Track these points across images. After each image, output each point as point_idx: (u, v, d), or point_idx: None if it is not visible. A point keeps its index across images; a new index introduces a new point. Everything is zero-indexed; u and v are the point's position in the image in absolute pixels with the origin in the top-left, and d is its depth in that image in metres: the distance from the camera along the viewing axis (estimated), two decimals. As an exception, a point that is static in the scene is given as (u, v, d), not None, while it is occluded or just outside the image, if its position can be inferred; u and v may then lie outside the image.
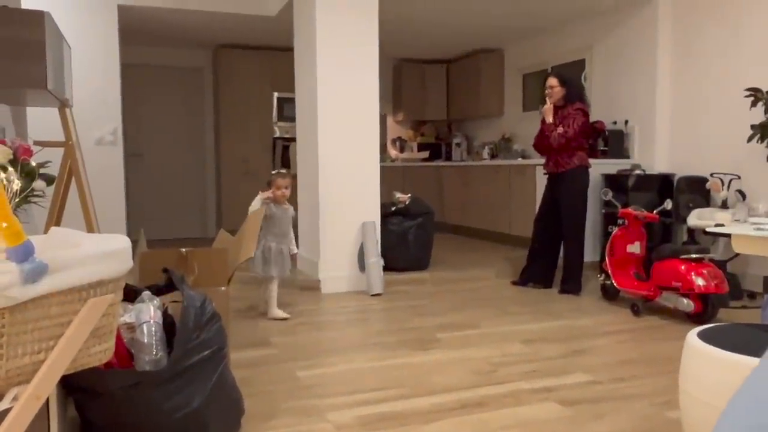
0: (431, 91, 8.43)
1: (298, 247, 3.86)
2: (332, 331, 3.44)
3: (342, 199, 4.51)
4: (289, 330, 3.43)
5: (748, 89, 4.23)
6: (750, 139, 4.21)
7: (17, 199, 1.75)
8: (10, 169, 1.73)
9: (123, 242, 1.41)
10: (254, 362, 2.84)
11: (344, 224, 4.53)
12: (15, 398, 1.26)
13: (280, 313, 3.66)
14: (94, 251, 1.32)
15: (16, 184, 1.71)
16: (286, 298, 4.14)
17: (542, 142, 4.38)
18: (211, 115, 7.79)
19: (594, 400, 2.38)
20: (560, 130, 4.22)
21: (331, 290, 4.43)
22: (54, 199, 3.19)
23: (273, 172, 3.77)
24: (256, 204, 3.56)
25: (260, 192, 3.64)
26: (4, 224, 1.13)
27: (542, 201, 4.52)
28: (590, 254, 5.23)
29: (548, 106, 4.34)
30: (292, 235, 3.76)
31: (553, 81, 4.34)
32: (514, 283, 4.61)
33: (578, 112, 4.24)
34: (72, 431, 1.87)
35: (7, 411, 1.25)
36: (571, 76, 4.55)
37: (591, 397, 2.42)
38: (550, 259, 4.50)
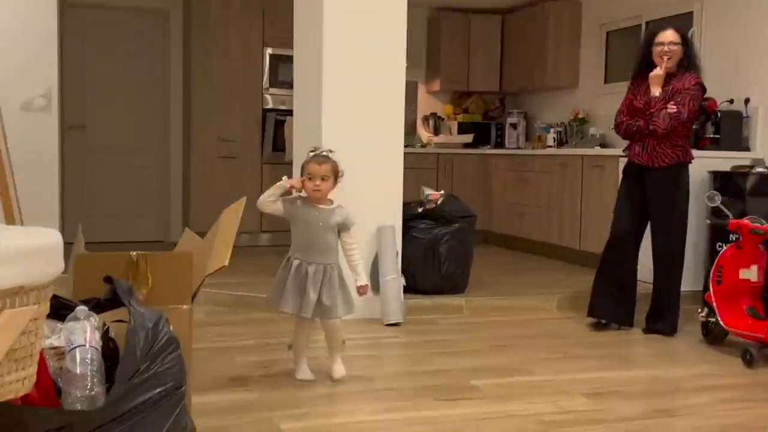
0: (479, 52, 8.45)
1: (365, 279, 3.36)
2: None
3: (352, 195, 4.48)
4: (273, 366, 3.48)
5: None
6: None
7: None
8: None
9: (52, 237, 1.46)
10: (225, 409, 2.88)
11: (354, 228, 4.56)
12: None
13: (303, 374, 3.29)
14: (13, 247, 1.37)
15: None
16: (271, 326, 4.19)
17: (635, 123, 4.20)
18: (179, 76, 7.86)
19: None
20: (672, 108, 4.02)
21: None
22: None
23: (310, 151, 3.28)
24: (268, 195, 3.21)
25: (283, 178, 3.28)
26: None
27: (621, 206, 4.41)
28: (689, 281, 5.20)
29: (660, 73, 4.11)
30: (336, 253, 3.26)
31: (673, 35, 4.15)
32: (595, 324, 4.47)
33: (698, 87, 4.11)
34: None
35: None
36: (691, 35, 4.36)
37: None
38: (629, 286, 4.40)
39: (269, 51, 7.63)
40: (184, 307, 2.52)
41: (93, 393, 1.84)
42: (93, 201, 7.57)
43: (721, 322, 3.94)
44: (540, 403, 3.06)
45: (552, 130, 7.76)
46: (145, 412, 1.89)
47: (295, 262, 3.16)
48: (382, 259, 4.49)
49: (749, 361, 3.67)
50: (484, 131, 8.53)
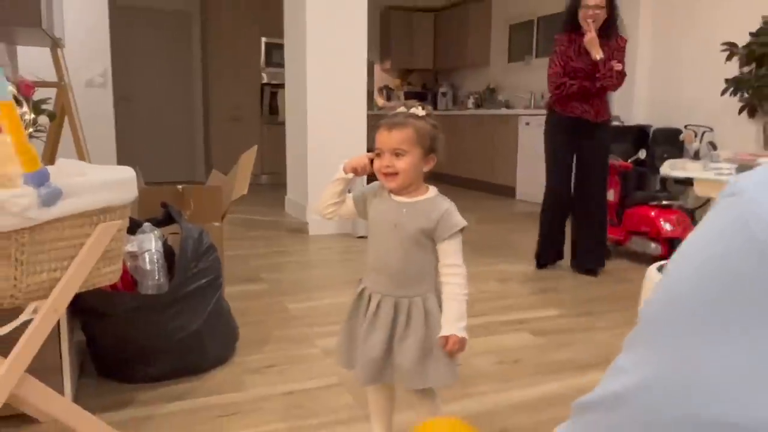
0: (418, 39, 8.39)
1: (454, 328, 1.35)
2: (320, 269, 3.57)
3: (330, 144, 4.57)
4: (278, 267, 3.55)
5: (725, 43, 4.31)
6: (724, 93, 4.32)
7: (28, 132, 1.81)
8: (25, 103, 1.78)
9: (128, 172, 1.50)
10: (246, 295, 2.96)
11: (331, 169, 4.55)
12: (34, 311, 1.37)
13: None
14: (103, 179, 1.41)
15: (29, 115, 1.77)
16: (273, 241, 4.25)
17: (580, 83, 3.34)
18: (199, 59, 7.71)
19: (561, 332, 2.55)
20: (619, 66, 3.29)
21: (318, 232, 4.54)
22: (48, 137, 3.23)
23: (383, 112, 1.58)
24: (328, 197, 1.50)
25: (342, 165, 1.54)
26: (24, 150, 1.21)
27: (558, 161, 3.51)
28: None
29: (594, 36, 3.25)
30: (430, 278, 1.41)
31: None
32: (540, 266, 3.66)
33: (625, 46, 3.38)
34: (78, 350, 1.99)
35: (27, 323, 1.37)
36: None
37: (559, 329, 2.59)
38: (561, 228, 3.66)
39: (264, 39, 7.49)
40: (216, 224, 2.56)
41: (160, 282, 1.90)
42: (139, 153, 7.44)
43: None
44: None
45: (472, 96, 7.79)
46: (196, 295, 1.96)
47: (368, 295, 1.42)
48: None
49: (607, 255, 3.81)
50: (423, 98, 8.51)
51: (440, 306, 1.37)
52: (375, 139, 1.39)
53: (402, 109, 1.40)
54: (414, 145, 1.37)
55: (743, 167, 1.95)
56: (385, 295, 1.39)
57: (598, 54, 3.25)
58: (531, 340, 2.45)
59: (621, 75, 3.30)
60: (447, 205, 1.41)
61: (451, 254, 1.37)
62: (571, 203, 3.55)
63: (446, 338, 1.34)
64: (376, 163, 1.39)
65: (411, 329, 1.36)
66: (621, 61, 3.31)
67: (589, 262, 3.52)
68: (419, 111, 1.39)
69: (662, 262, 1.97)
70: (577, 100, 3.38)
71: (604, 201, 3.53)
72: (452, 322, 1.34)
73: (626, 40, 3.40)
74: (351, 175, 1.45)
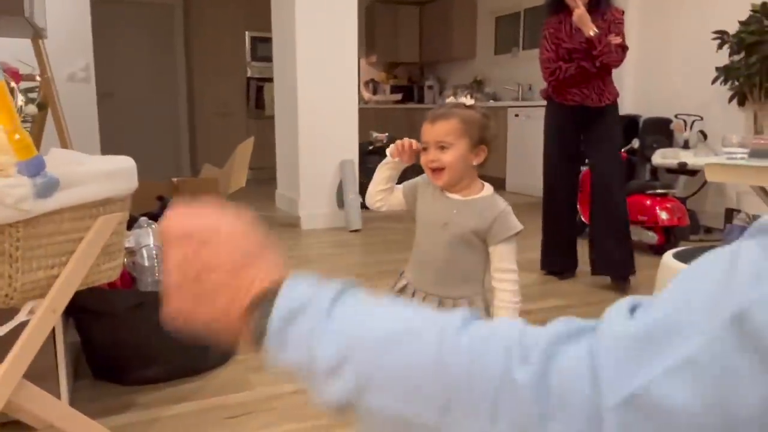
0: (404, 33, 8.29)
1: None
2: (315, 264, 3.48)
3: (321, 137, 4.47)
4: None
5: (715, 32, 4.29)
6: (714, 81, 4.30)
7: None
8: (16, 88, 1.66)
9: (128, 162, 1.39)
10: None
11: (323, 163, 4.51)
12: (31, 311, 1.26)
13: None
14: (102, 169, 1.30)
15: (21, 101, 1.65)
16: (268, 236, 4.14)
17: (577, 65, 2.91)
18: (183, 54, 7.53)
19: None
20: (617, 39, 2.84)
21: (310, 226, 4.44)
22: (33, 129, 3.09)
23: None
24: (376, 183, 1.42)
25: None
26: (17, 136, 1.10)
27: (555, 154, 3.11)
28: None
29: (583, 11, 2.79)
30: (477, 281, 1.35)
31: None
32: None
33: (623, 18, 2.96)
34: (74, 352, 1.88)
35: (23, 324, 1.26)
36: None
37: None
38: (570, 233, 3.22)
39: (249, 34, 7.35)
40: (213, 218, 2.47)
41: (159, 279, 1.80)
42: (123, 149, 7.24)
43: (583, 219, 4.03)
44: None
45: (458, 89, 7.72)
46: (197, 291, 1.86)
47: (411, 291, 1.36)
48: (345, 184, 4.45)
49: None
50: (409, 92, 8.44)
51: (486, 312, 1.29)
52: (421, 133, 1.32)
53: (451, 99, 1.32)
54: (460, 136, 1.28)
55: (758, 151, 1.90)
56: (429, 294, 1.30)
57: (591, 30, 2.78)
58: (538, 331, 2.38)
59: (622, 48, 2.86)
60: (503, 205, 1.31)
61: (504, 258, 1.28)
62: (574, 203, 3.19)
63: None
64: (423, 158, 1.32)
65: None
66: (620, 34, 2.86)
67: (616, 269, 2.97)
68: (467, 100, 1.31)
69: (677, 249, 1.91)
70: (575, 86, 2.96)
71: (622, 194, 3.01)
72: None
73: (623, 12, 2.99)
74: (397, 159, 1.37)
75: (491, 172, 6.38)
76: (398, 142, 1.35)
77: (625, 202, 3.00)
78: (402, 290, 1.35)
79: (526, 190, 5.93)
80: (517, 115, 6.03)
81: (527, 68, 6.74)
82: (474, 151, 1.30)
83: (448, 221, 1.30)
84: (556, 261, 3.18)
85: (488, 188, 1.35)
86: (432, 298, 1.29)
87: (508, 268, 1.28)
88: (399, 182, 1.42)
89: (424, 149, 1.31)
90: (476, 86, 7.47)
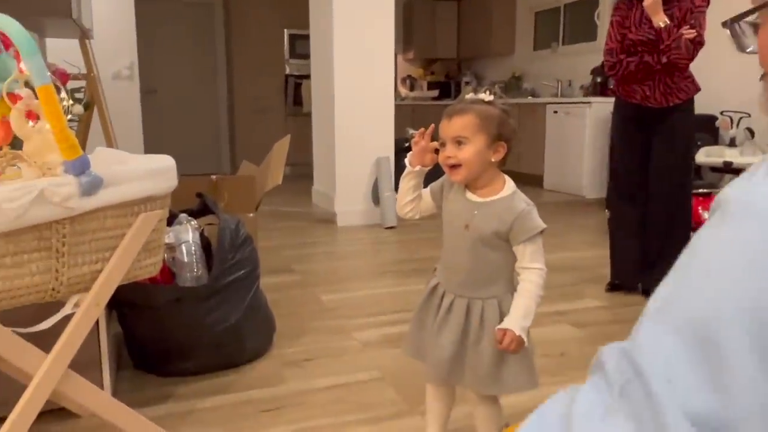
0: (442, 28, 8.24)
1: (517, 326, 1.23)
2: (350, 260, 3.50)
3: (357, 134, 4.49)
4: (308, 258, 3.49)
5: (764, 26, 4.14)
6: (762, 77, 4.15)
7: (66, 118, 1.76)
8: (63, 90, 1.73)
9: (168, 161, 1.43)
10: (280, 287, 2.90)
11: (359, 159, 4.53)
12: (76, 305, 1.31)
13: None
14: (144, 167, 1.34)
15: (67, 101, 1.72)
16: (302, 232, 4.18)
17: (639, 59, 2.59)
18: (223, 52, 7.66)
19: (601, 324, 2.46)
20: (690, 33, 2.44)
21: (346, 223, 4.47)
22: (79, 128, 3.20)
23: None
24: (404, 192, 1.39)
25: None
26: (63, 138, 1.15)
27: (626, 155, 2.75)
28: (598, 190, 5.25)
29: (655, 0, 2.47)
30: (504, 280, 1.31)
31: None
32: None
33: (707, 2, 2.55)
34: (116, 343, 1.94)
35: (68, 317, 1.31)
36: None
37: (600, 320, 2.49)
38: (637, 243, 2.83)
39: (287, 31, 7.43)
40: (250, 215, 2.51)
41: (198, 274, 1.85)
42: (165, 145, 7.40)
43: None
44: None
45: (496, 85, 7.64)
46: (234, 287, 1.90)
47: (442, 292, 1.35)
48: (381, 181, 4.47)
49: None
50: (446, 88, 8.39)
51: None
52: (439, 130, 1.29)
53: (470, 95, 1.29)
54: (476, 132, 1.24)
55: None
56: (458, 296, 1.30)
57: (661, 20, 2.46)
58: (573, 332, 2.35)
59: (695, 45, 2.47)
60: (523, 205, 1.27)
61: (527, 257, 1.26)
62: (642, 210, 2.75)
63: (504, 332, 1.21)
64: (440, 155, 1.28)
65: (485, 332, 1.26)
66: (697, 24, 2.48)
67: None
68: (486, 96, 1.27)
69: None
70: (636, 83, 2.62)
71: (687, 211, 2.68)
72: (516, 318, 1.23)
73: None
74: (418, 167, 1.34)
75: (528, 169, 6.32)
76: (415, 149, 1.33)
77: (687, 221, 2.68)
78: (433, 290, 1.36)
79: (564, 188, 5.85)
80: (555, 112, 5.94)
81: (567, 64, 6.64)
82: (492, 147, 1.26)
83: (469, 224, 1.28)
84: (627, 278, 2.86)
85: (509, 186, 1.30)
86: (460, 300, 1.29)
87: (532, 266, 1.26)
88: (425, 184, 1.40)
89: (442, 145, 1.28)
90: (514, 82, 7.39)
